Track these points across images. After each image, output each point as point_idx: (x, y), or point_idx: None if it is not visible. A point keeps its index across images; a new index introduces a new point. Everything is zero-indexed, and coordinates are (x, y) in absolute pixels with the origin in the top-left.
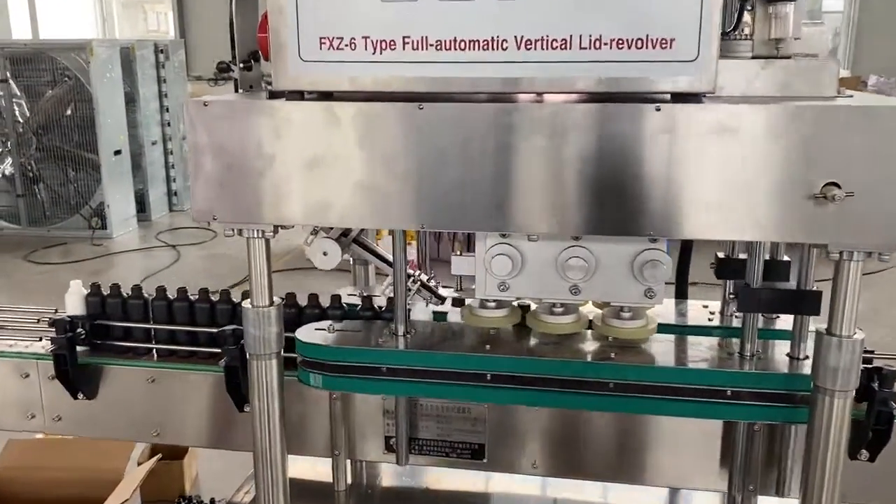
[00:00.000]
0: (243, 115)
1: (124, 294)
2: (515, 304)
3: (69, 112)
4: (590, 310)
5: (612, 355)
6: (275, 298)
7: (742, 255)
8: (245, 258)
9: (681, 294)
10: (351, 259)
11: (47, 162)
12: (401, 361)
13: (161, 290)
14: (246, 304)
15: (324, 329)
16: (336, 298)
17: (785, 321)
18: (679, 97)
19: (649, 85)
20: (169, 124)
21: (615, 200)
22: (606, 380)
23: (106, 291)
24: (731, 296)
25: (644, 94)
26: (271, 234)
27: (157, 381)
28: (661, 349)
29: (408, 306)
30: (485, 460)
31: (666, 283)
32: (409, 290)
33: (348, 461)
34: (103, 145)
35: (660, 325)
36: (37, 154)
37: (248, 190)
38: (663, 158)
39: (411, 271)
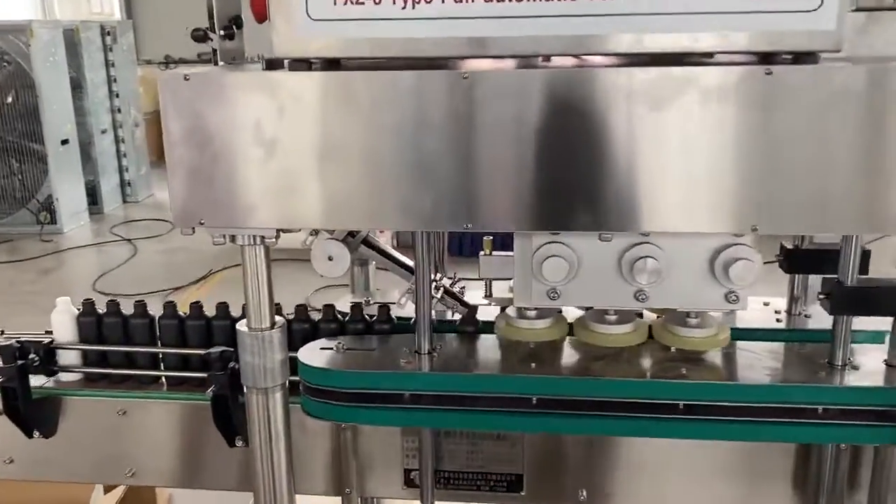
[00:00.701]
0: (234, 92)
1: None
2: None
3: (10, 100)
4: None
5: (684, 371)
6: (277, 318)
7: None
8: (208, 252)
9: None
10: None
11: None
12: (427, 386)
13: (140, 307)
14: (242, 326)
15: (331, 348)
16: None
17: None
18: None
19: (760, 41)
20: (119, 111)
21: (713, 186)
22: (677, 400)
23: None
24: (822, 295)
25: (754, 53)
26: (273, 239)
27: (129, 413)
28: (737, 361)
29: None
30: (523, 493)
31: None
32: (432, 297)
33: (359, 499)
34: (49, 135)
35: None
36: None
37: (244, 186)
38: (773, 134)
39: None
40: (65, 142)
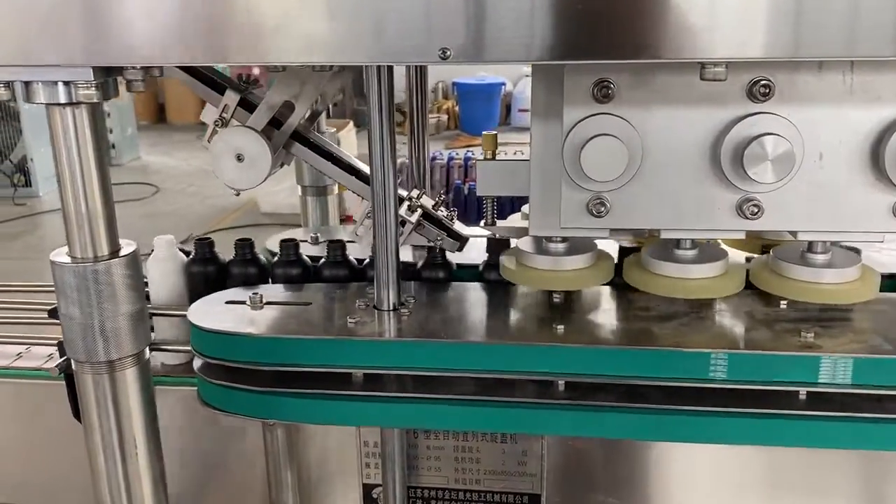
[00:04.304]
0: None
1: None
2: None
3: None
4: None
5: (811, 336)
6: (124, 242)
7: None
8: (191, 216)
9: None
10: (299, 188)
11: None
12: (389, 360)
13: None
14: (59, 256)
15: (242, 302)
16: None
17: None
18: None
19: None
20: None
21: None
22: (798, 386)
23: None
24: None
25: None
26: (93, 91)
27: None
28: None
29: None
30: None
31: None
32: (404, 223)
33: None
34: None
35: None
36: None
37: None
38: None
39: (403, 191)
40: None
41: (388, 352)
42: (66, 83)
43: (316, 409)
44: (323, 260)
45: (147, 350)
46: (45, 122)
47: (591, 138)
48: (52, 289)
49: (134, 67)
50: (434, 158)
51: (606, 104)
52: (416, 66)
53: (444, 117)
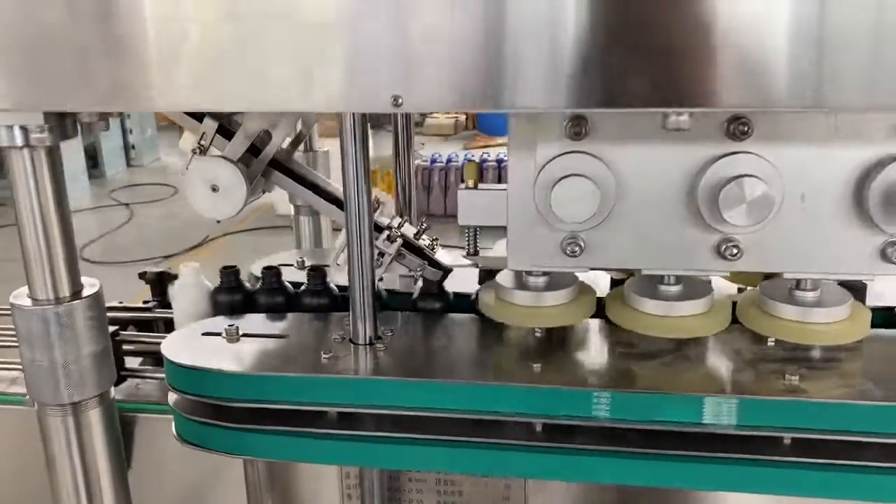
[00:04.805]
0: None
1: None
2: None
3: None
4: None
5: (795, 380)
6: (87, 281)
7: None
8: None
9: None
10: (293, 207)
11: None
12: (363, 398)
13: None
14: (18, 298)
15: (218, 334)
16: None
17: None
18: None
19: None
20: None
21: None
22: (781, 432)
23: None
24: None
25: None
26: (45, 134)
27: None
28: (885, 365)
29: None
30: None
31: None
32: (383, 254)
33: None
34: None
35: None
36: None
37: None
38: None
39: (385, 219)
40: None
41: (361, 390)
42: (22, 127)
43: (289, 447)
44: (303, 288)
45: (112, 390)
46: None
47: (562, 178)
48: None
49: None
50: (450, 160)
51: (580, 142)
52: None
53: (462, 117)
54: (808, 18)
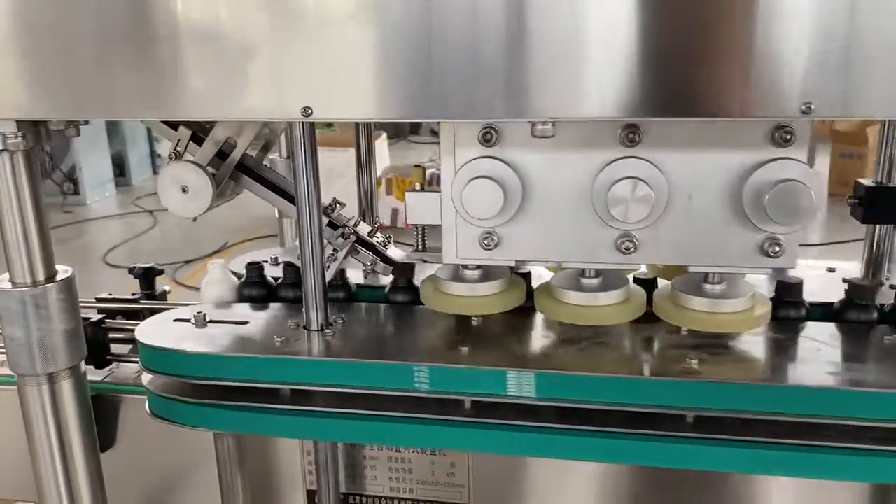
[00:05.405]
0: None
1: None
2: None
3: None
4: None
5: (695, 364)
6: (60, 268)
7: None
8: (229, 224)
9: None
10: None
11: None
12: (313, 378)
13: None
14: (1, 281)
15: (187, 320)
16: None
17: None
18: None
19: None
20: None
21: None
22: (684, 410)
23: None
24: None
25: None
26: (20, 140)
27: None
28: (783, 352)
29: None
30: None
31: None
32: (337, 249)
33: None
34: None
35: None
36: None
37: None
38: None
39: (345, 219)
40: None
41: (309, 369)
42: (1, 133)
43: (247, 421)
44: (280, 281)
45: (82, 364)
46: (94, 132)
47: (472, 179)
48: None
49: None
50: None
51: (491, 148)
52: None
53: None
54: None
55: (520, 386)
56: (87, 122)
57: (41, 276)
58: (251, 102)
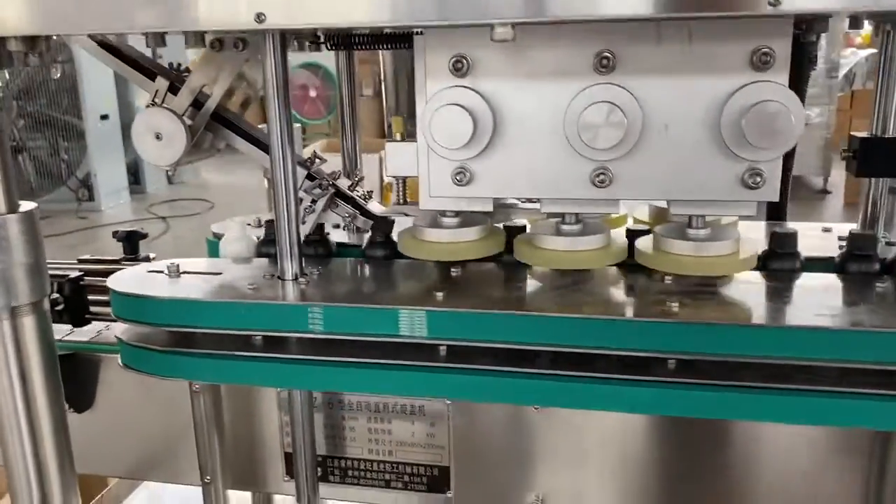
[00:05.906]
0: None
1: None
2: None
3: (58, 74)
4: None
5: (675, 308)
6: (26, 203)
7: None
8: None
9: (776, 214)
10: (266, 179)
11: (30, 130)
12: (284, 324)
13: None
14: None
15: (160, 272)
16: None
17: None
18: None
19: None
20: None
21: None
22: (665, 354)
23: None
24: (847, 153)
25: None
26: None
27: None
28: (770, 296)
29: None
30: (449, 494)
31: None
32: (315, 199)
33: (231, 493)
34: (88, 109)
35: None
36: (18, 121)
37: None
38: None
39: (325, 172)
40: (104, 117)
41: (277, 314)
42: None
43: (218, 369)
44: (262, 238)
45: (46, 301)
46: (108, 140)
47: (441, 107)
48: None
49: (14, 38)
50: None
51: (462, 78)
52: (345, 53)
53: None
54: None
55: (494, 329)
56: (48, 49)
57: (2, 208)
58: (201, 11)
